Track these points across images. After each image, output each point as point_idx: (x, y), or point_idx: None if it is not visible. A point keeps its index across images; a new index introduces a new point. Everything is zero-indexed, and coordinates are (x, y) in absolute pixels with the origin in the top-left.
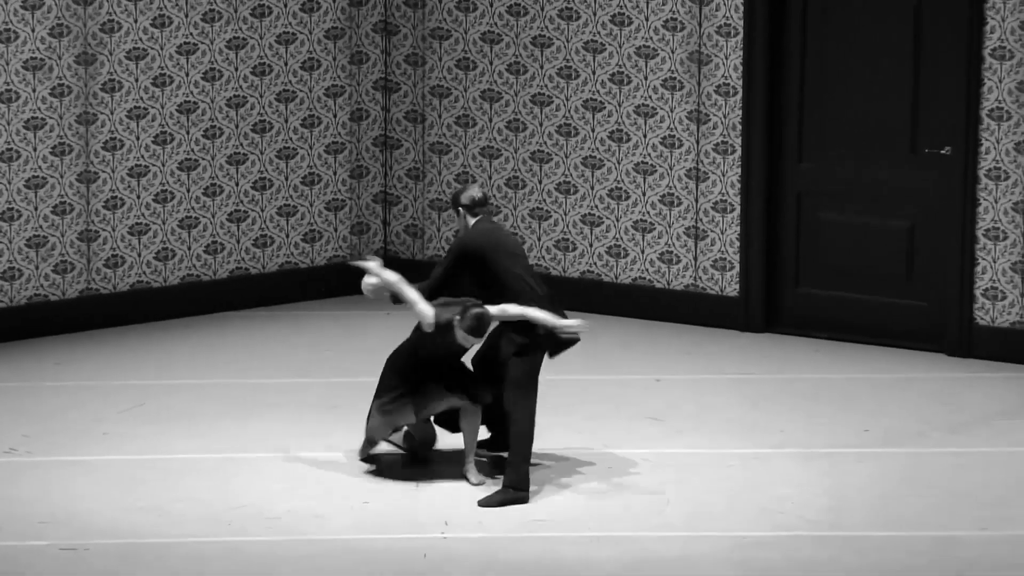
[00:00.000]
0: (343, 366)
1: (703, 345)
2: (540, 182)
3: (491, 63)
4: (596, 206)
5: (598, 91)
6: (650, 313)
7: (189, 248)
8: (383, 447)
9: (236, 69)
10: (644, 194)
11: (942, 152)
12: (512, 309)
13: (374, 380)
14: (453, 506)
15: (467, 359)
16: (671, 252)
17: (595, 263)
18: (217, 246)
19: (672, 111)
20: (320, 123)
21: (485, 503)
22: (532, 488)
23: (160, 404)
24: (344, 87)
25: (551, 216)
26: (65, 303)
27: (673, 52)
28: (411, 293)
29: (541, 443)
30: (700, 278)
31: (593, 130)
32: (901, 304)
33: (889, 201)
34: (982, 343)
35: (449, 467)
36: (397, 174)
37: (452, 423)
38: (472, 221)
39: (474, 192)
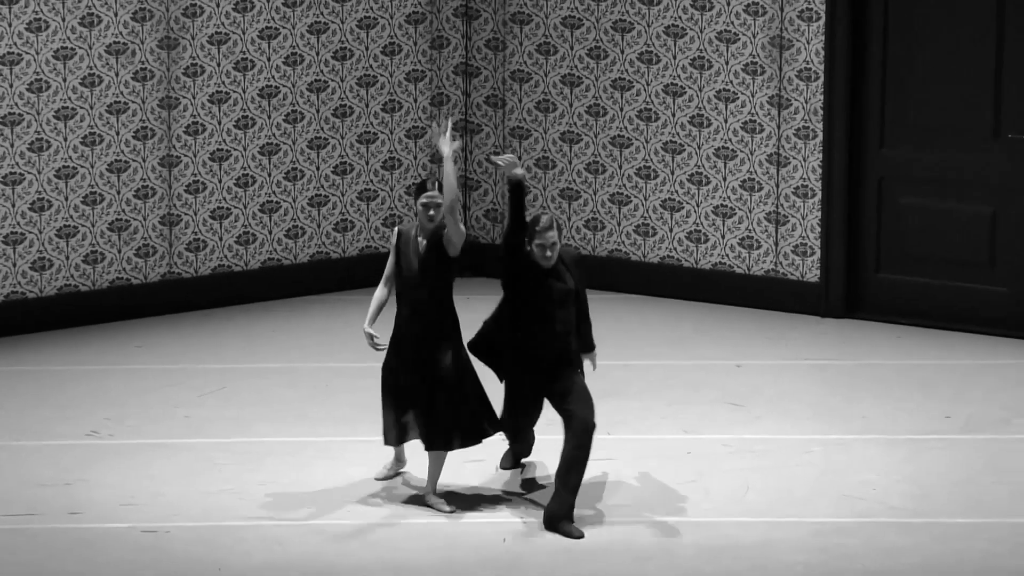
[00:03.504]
0: None
1: (783, 331)
2: (620, 167)
3: (571, 48)
4: (676, 191)
5: (679, 76)
6: (730, 298)
7: (270, 232)
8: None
9: (317, 54)
10: (724, 179)
11: None
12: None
13: None
14: (537, 491)
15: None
16: (751, 237)
17: (675, 248)
18: (298, 230)
19: (753, 96)
20: (401, 108)
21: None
22: (605, 474)
23: (241, 387)
24: (425, 72)
25: (631, 201)
26: (147, 286)
27: (754, 37)
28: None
29: (625, 428)
30: (781, 263)
31: (674, 115)
32: (983, 290)
33: (971, 187)
34: None
35: (532, 456)
36: (477, 159)
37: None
38: None
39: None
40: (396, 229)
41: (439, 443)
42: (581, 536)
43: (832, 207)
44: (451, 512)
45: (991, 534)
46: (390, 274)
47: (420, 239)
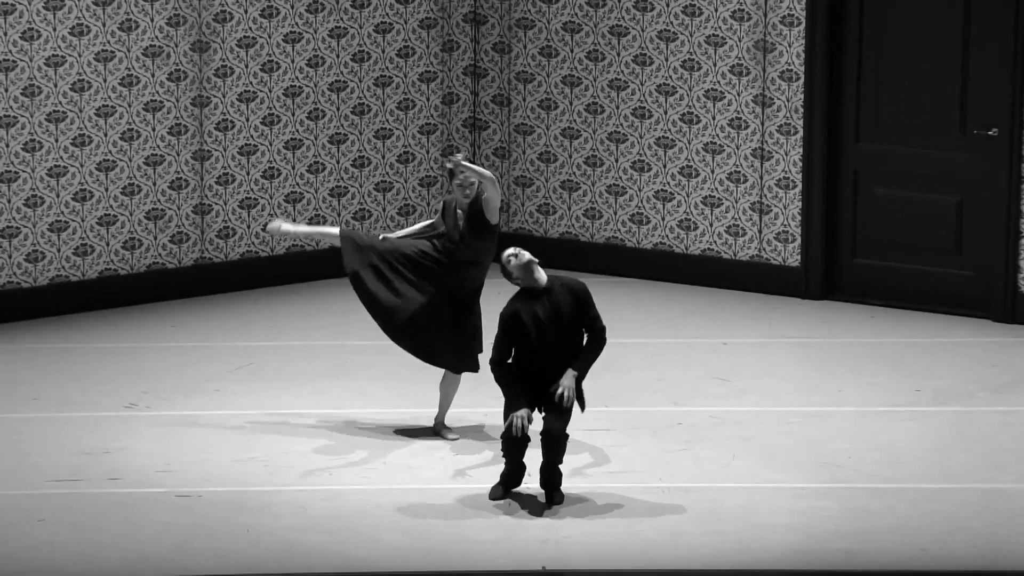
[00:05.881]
0: None
1: (766, 311)
2: (616, 160)
3: (572, 51)
4: (668, 183)
5: (671, 76)
6: (717, 282)
7: (294, 221)
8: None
9: (337, 56)
10: (713, 172)
11: (989, 133)
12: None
13: None
14: (536, 459)
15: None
16: (737, 225)
17: (667, 235)
18: (320, 219)
19: (739, 95)
20: (414, 106)
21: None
22: (601, 443)
23: (267, 364)
24: (436, 73)
25: (627, 192)
26: (181, 271)
27: (740, 40)
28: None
29: (619, 401)
30: (764, 249)
31: (666, 112)
32: (950, 274)
33: (940, 178)
34: None
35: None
36: (485, 153)
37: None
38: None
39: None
40: (443, 201)
41: (474, 366)
42: (561, 501)
43: (812, 197)
44: (455, 439)
45: (958, 498)
46: (433, 225)
47: (459, 211)
